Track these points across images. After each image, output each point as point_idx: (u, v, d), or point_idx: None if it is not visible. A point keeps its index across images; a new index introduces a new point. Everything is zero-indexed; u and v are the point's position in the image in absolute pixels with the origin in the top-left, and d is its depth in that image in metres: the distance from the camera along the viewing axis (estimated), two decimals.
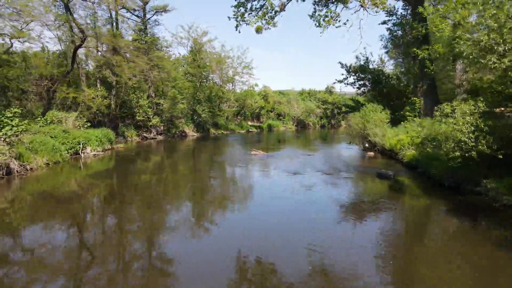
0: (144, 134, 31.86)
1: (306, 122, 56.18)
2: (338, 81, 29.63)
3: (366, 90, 29.19)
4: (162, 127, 33.01)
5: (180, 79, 36.20)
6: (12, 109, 15.03)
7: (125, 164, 18.22)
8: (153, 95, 32.31)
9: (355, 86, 29.39)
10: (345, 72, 29.27)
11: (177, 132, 35.15)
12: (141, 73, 27.63)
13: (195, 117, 36.42)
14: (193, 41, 38.64)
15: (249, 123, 48.95)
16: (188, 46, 39.95)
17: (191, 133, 36.40)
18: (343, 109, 32.01)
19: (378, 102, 26.47)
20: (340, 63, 28.92)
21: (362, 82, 29.02)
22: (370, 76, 28.34)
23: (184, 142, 31.20)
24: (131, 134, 30.42)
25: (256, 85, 51.24)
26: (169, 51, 37.14)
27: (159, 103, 32.02)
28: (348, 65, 28.80)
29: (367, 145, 22.62)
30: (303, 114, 54.95)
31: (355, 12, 20.32)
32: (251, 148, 22.59)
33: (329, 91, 65.43)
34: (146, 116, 30.28)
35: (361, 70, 28.31)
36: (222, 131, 41.19)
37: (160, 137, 32.68)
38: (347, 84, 29.27)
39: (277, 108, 52.59)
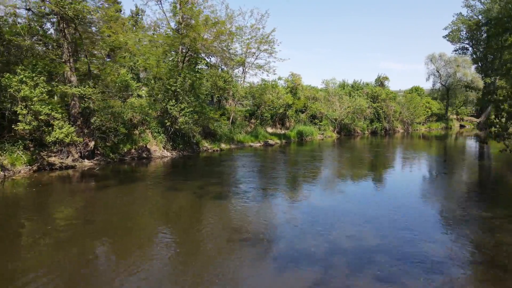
0: (53, 159, 15.41)
1: (351, 126, 38.55)
2: None
3: None
4: (92, 144, 16.43)
5: (144, 52, 19.59)
6: None
7: None
8: (72, 78, 15.71)
9: None
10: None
11: (133, 150, 18.59)
12: None
13: (168, 123, 19.61)
14: None
15: (269, 129, 31.84)
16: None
17: (161, 151, 19.67)
18: None
19: None
20: None
21: None
22: None
23: (128, 179, 14.52)
24: (12, 161, 14.06)
25: (280, 78, 34.03)
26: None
27: (80, 94, 15.35)
28: None
29: None
30: (349, 116, 37.32)
31: None
32: None
33: (380, 83, 47.51)
34: (34, 123, 13.70)
35: None
36: (223, 145, 24.36)
37: (87, 163, 16.12)
38: None
39: (311, 107, 35.22)
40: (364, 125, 40.26)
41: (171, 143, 20.41)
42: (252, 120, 31.19)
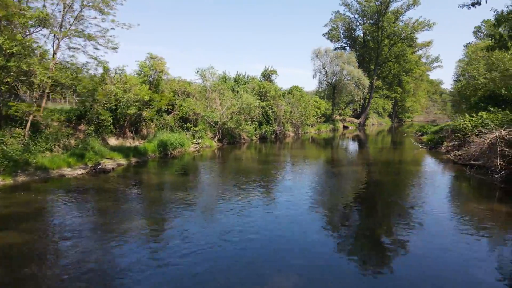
0: None
1: (236, 131, 29.42)
2: None
3: None
4: None
5: None
6: None
7: None
8: None
9: None
10: None
11: None
12: None
13: None
14: None
15: (112, 141, 20.14)
16: None
17: None
18: None
19: None
20: None
21: None
22: None
23: None
24: None
25: (141, 71, 22.86)
26: None
27: None
28: None
29: None
30: (233, 118, 28.07)
31: None
32: None
33: (267, 76, 40.01)
34: None
35: None
36: None
37: None
38: None
39: (181, 106, 24.70)
40: (252, 130, 31.75)
41: None
42: (82, 127, 18.97)
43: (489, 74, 28.36)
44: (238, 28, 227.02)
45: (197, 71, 28.75)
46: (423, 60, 78.35)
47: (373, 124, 67.04)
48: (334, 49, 58.40)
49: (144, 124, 22.43)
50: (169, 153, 21.31)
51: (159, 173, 16.57)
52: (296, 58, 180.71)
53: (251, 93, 31.46)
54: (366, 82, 48.00)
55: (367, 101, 59.43)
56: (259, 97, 33.65)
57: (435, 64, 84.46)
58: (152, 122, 23.11)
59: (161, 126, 23.44)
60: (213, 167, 18.99)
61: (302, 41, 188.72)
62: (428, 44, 69.62)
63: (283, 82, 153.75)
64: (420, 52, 74.96)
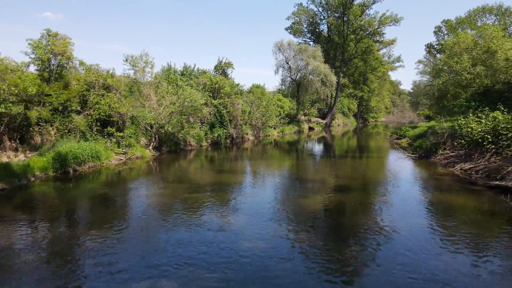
0: None
1: (180, 136, 23.21)
2: None
3: None
4: None
5: None
6: None
7: None
8: None
9: None
10: None
11: None
12: None
13: None
14: None
15: None
16: None
17: None
18: None
19: None
20: None
21: None
22: None
23: None
24: None
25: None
26: None
27: None
28: None
29: None
30: (173, 119, 21.80)
31: None
32: None
33: (221, 70, 34.08)
34: None
35: None
36: None
37: None
38: None
39: (100, 104, 18.09)
40: (202, 133, 25.67)
41: None
42: None
43: (474, 69, 24.47)
44: (196, 25, 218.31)
45: (126, 59, 22.12)
46: (385, 59, 76.31)
47: (338, 125, 63.25)
48: (299, 44, 53.70)
49: (36, 129, 15.67)
50: (72, 171, 14.81)
51: (21, 215, 10.10)
52: (258, 58, 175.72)
53: (197, 88, 25.36)
54: (334, 78, 43.47)
55: (333, 100, 55.20)
56: (211, 94, 27.68)
57: (397, 64, 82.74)
58: (51, 126, 16.39)
59: (67, 131, 16.78)
60: (132, 194, 12.76)
61: (264, 39, 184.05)
62: (392, 42, 67.13)
63: (244, 82, 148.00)
64: (384, 50, 72.69)
